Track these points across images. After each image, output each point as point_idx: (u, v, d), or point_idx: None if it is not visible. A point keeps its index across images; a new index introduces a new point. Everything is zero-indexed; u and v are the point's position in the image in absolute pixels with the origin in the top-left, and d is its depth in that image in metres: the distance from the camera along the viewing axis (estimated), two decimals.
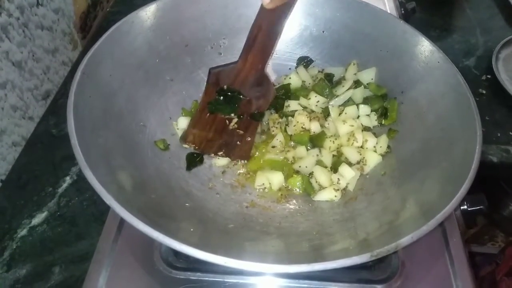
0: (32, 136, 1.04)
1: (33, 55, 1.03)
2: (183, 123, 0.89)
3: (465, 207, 0.90)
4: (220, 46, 0.97)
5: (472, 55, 1.31)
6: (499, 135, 1.11)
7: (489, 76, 1.24)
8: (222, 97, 0.85)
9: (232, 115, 0.87)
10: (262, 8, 0.70)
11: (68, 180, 0.95)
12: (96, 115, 0.72)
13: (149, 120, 0.85)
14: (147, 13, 0.86)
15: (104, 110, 0.75)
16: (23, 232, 0.87)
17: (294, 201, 0.83)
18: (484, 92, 1.21)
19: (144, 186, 0.74)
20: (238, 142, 0.88)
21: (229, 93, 0.85)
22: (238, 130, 0.88)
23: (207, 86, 0.85)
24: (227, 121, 0.87)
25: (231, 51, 0.97)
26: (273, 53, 0.79)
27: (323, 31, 0.97)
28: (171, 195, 0.78)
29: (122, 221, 0.82)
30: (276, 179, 0.83)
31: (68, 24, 1.19)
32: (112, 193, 0.57)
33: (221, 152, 0.88)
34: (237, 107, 0.86)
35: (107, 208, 0.86)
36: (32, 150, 1.01)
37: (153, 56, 0.88)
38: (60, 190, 0.94)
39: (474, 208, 0.90)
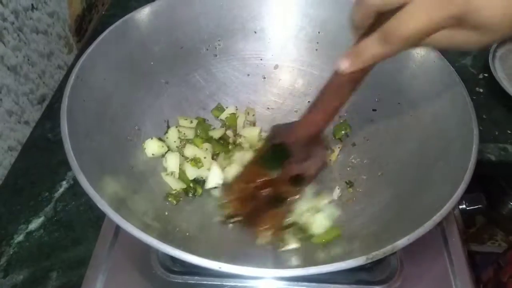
0: (28, 140, 1.03)
1: (28, 59, 1.03)
2: (151, 146, 0.83)
3: (464, 206, 0.90)
4: (216, 48, 0.97)
5: (469, 54, 1.31)
6: (497, 133, 1.10)
7: (486, 75, 1.24)
8: (271, 152, 0.76)
9: (274, 175, 0.75)
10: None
11: (64, 184, 0.95)
12: (90, 119, 0.72)
13: (144, 123, 0.85)
14: (142, 15, 0.86)
15: (98, 114, 0.74)
16: (19, 237, 0.87)
17: None
18: (481, 90, 1.20)
19: (139, 191, 0.73)
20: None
21: (278, 149, 0.76)
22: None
23: (264, 141, 0.81)
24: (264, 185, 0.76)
25: (227, 53, 0.97)
26: (334, 116, 0.70)
27: (319, 32, 0.97)
28: (166, 199, 0.78)
29: (118, 226, 0.81)
30: None
31: (63, 28, 1.18)
32: (106, 198, 0.57)
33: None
34: (281, 163, 0.75)
35: (104, 213, 0.86)
36: (28, 155, 1.01)
37: (148, 58, 0.88)
38: (57, 195, 0.93)
39: (472, 207, 0.90)
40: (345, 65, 0.57)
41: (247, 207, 0.75)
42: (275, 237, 0.72)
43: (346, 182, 0.85)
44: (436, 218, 0.58)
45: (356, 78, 0.62)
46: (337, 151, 0.91)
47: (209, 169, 0.83)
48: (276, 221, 0.74)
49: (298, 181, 0.75)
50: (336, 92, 0.65)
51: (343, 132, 0.93)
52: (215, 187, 0.82)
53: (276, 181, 0.75)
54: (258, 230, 0.73)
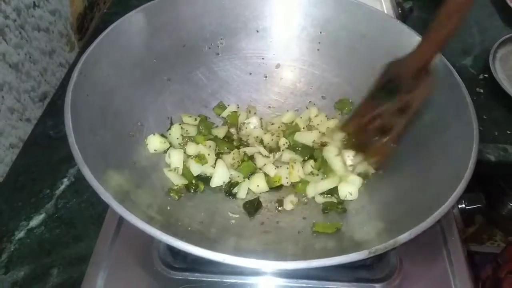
0: (29, 138, 1.04)
1: (30, 57, 1.03)
2: (154, 141, 0.84)
3: (463, 205, 0.90)
4: (218, 46, 0.97)
5: (469, 54, 1.32)
6: (496, 134, 1.11)
7: (486, 75, 1.24)
8: (383, 86, 0.79)
9: (386, 106, 0.78)
10: None
11: (65, 181, 0.95)
12: (94, 114, 0.72)
13: (147, 119, 0.85)
14: (144, 13, 0.86)
15: (101, 109, 0.75)
16: (21, 234, 0.87)
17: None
18: (481, 91, 1.21)
19: (141, 185, 0.74)
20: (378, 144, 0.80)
21: (389, 82, 0.78)
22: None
23: (378, 77, 0.81)
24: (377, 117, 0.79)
25: (229, 51, 0.98)
26: (442, 48, 0.72)
27: (320, 32, 0.97)
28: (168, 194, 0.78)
29: (120, 223, 0.82)
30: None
31: (65, 26, 1.19)
32: (110, 191, 0.57)
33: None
34: (395, 96, 0.77)
35: (105, 209, 0.87)
36: (30, 152, 1.01)
37: (150, 56, 0.88)
38: (58, 192, 0.93)
39: (472, 207, 0.91)
40: None
41: (360, 139, 0.82)
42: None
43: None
44: (437, 214, 0.58)
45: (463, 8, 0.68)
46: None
47: (213, 166, 0.84)
48: (384, 150, 0.79)
49: (405, 110, 0.77)
50: (444, 23, 0.69)
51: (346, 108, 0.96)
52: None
53: (386, 112, 0.78)
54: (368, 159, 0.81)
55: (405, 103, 0.76)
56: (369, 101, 0.81)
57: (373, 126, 0.79)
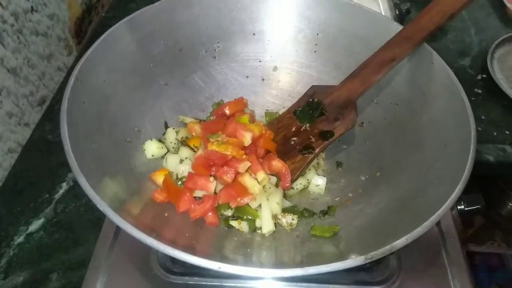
0: (28, 142, 1.04)
1: (28, 61, 1.03)
2: (151, 147, 0.84)
3: (462, 207, 0.90)
4: (215, 50, 0.97)
5: (467, 55, 1.31)
6: (495, 134, 1.11)
7: (484, 76, 1.24)
8: (308, 107, 0.88)
9: (307, 126, 0.87)
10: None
11: (64, 186, 0.95)
12: (90, 120, 0.72)
13: (144, 125, 0.86)
14: (141, 18, 0.86)
15: (98, 115, 0.75)
16: (20, 239, 0.87)
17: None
18: (479, 91, 1.21)
19: (138, 192, 0.74)
20: (296, 155, 0.85)
21: (314, 105, 0.87)
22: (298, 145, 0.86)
23: (302, 96, 0.90)
24: (297, 132, 0.88)
25: (225, 55, 0.98)
26: (370, 87, 0.83)
27: (317, 34, 0.97)
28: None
29: (119, 227, 0.81)
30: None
31: (63, 30, 1.19)
32: (106, 199, 0.57)
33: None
34: (315, 118, 0.86)
35: (104, 214, 0.86)
36: (28, 157, 1.01)
37: (147, 60, 0.88)
38: (57, 196, 0.94)
39: (471, 208, 0.91)
40: None
41: (281, 147, 0.87)
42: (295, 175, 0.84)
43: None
44: (434, 218, 0.58)
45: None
46: None
47: None
48: (301, 162, 0.84)
49: (327, 136, 0.84)
50: (375, 69, 0.79)
51: None
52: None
53: (307, 132, 0.86)
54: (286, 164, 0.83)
55: (328, 131, 0.84)
56: (292, 115, 0.89)
57: (294, 143, 0.86)
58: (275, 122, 0.91)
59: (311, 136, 0.85)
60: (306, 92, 0.89)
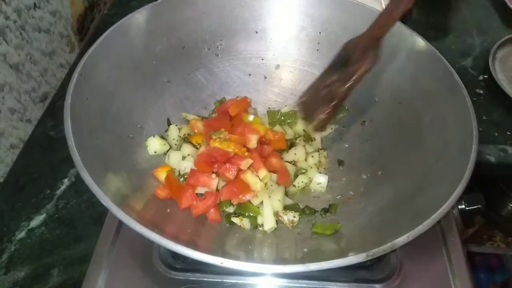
0: (30, 138, 1.04)
1: (31, 58, 1.03)
2: (154, 143, 0.85)
3: (463, 206, 0.90)
4: (217, 47, 0.97)
5: (469, 55, 1.32)
6: (496, 135, 1.11)
7: (486, 76, 1.24)
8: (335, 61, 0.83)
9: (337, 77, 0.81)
10: None
11: (66, 182, 0.95)
12: (93, 116, 0.73)
13: (147, 121, 0.86)
14: (144, 15, 0.86)
15: (101, 111, 0.75)
16: (21, 234, 0.87)
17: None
18: (481, 92, 1.21)
19: (141, 188, 0.74)
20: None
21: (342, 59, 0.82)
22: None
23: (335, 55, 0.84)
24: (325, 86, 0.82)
25: (228, 53, 0.98)
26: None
27: (320, 32, 0.97)
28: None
29: (120, 223, 0.82)
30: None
31: (66, 27, 1.19)
32: (109, 194, 0.58)
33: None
34: (344, 69, 0.80)
35: (106, 210, 0.85)
36: (30, 153, 1.01)
37: (150, 58, 0.88)
38: (59, 192, 0.94)
39: (471, 208, 0.91)
40: None
41: (311, 107, 0.83)
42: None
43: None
44: (436, 216, 0.58)
45: None
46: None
47: None
48: (325, 116, 0.81)
49: (351, 77, 0.79)
50: (396, 3, 0.73)
51: (340, 115, 0.96)
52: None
53: (334, 82, 0.81)
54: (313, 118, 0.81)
55: (352, 72, 0.79)
56: (324, 76, 0.83)
57: (322, 95, 0.82)
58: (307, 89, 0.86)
59: (336, 83, 0.80)
60: (339, 50, 0.83)
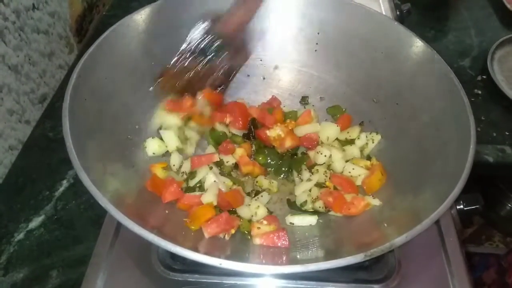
0: (28, 139, 1.04)
1: (29, 59, 1.03)
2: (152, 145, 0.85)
3: (461, 206, 0.90)
4: None
5: (468, 55, 1.32)
6: (494, 135, 1.11)
7: (484, 77, 1.25)
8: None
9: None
10: None
11: (65, 183, 0.95)
12: (92, 117, 0.73)
13: (145, 122, 0.86)
14: (142, 16, 0.86)
15: (99, 112, 0.75)
16: (20, 236, 0.87)
17: None
18: (479, 92, 1.21)
19: (139, 189, 0.74)
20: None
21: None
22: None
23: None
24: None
25: None
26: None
27: (317, 33, 0.97)
28: None
29: (119, 224, 0.82)
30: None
31: (64, 28, 1.19)
32: (107, 195, 0.58)
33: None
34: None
35: (104, 211, 0.85)
36: (29, 154, 1.01)
37: (149, 59, 0.88)
38: (57, 193, 0.94)
39: (470, 208, 0.91)
40: None
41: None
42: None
43: None
44: (434, 216, 0.58)
45: None
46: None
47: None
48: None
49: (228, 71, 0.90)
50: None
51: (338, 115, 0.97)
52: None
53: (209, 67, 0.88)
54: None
55: (229, 66, 0.89)
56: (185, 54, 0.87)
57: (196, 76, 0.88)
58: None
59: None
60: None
